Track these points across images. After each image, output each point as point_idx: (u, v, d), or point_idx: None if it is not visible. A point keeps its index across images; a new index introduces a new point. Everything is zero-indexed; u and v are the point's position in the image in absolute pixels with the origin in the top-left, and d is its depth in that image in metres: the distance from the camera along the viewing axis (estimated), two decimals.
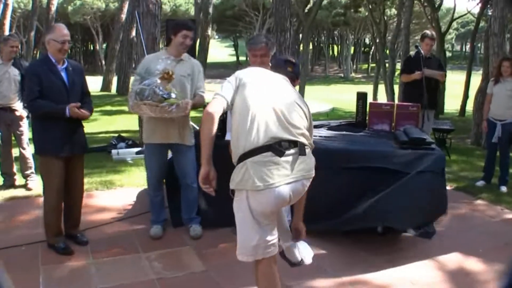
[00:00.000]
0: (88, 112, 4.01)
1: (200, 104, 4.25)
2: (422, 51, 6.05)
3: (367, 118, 5.26)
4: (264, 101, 2.65)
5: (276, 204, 2.60)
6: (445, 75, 6.83)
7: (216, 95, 2.70)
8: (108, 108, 14.50)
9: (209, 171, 2.65)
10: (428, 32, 6.38)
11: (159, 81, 3.81)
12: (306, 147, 2.69)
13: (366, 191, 4.13)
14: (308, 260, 2.99)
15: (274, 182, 2.53)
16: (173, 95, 3.83)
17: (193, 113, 4.28)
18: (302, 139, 2.66)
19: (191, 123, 4.37)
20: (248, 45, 4.02)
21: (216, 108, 2.64)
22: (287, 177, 2.57)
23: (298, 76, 3.11)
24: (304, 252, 2.99)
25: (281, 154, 2.55)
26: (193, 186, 4.30)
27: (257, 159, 2.54)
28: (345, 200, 4.15)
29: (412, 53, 6.72)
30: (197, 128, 4.51)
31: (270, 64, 3.39)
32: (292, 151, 2.60)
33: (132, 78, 17.77)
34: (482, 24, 17.51)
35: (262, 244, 2.64)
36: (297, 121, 2.69)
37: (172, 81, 3.85)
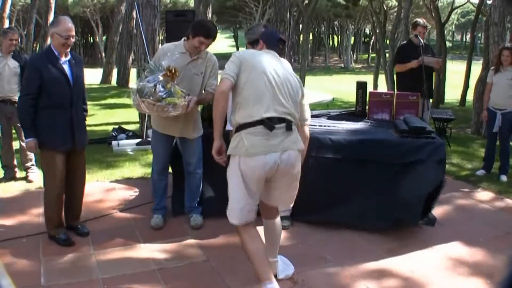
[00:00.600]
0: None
1: (206, 100, 4.23)
2: (421, 40, 6.00)
3: (367, 107, 5.26)
4: (263, 83, 3.00)
5: (263, 169, 2.95)
6: (443, 62, 6.79)
7: (225, 75, 3.04)
8: (108, 100, 14.47)
9: (221, 144, 3.08)
10: (420, 20, 6.31)
11: (161, 78, 3.71)
12: (292, 123, 3.04)
13: (365, 181, 4.13)
14: (279, 275, 3.36)
15: (263, 150, 2.93)
16: (173, 94, 3.72)
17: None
18: (289, 118, 3.03)
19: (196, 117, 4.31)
20: (246, 36, 4.01)
21: (227, 87, 3.03)
22: (275, 147, 2.95)
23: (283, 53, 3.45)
24: (280, 268, 3.41)
25: (271, 128, 2.93)
26: (197, 172, 4.33)
27: (251, 130, 2.95)
28: (343, 191, 4.16)
29: (404, 42, 6.66)
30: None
31: (262, 39, 3.41)
32: (281, 125, 2.97)
33: (132, 70, 17.68)
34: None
35: (247, 207, 3.04)
36: (287, 102, 3.04)
37: (176, 78, 3.76)
